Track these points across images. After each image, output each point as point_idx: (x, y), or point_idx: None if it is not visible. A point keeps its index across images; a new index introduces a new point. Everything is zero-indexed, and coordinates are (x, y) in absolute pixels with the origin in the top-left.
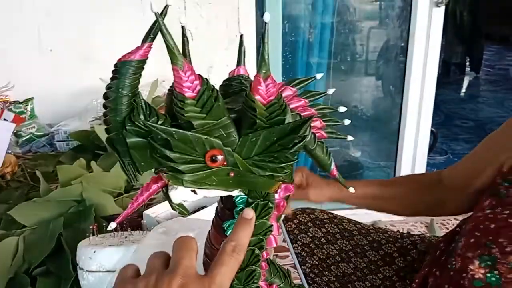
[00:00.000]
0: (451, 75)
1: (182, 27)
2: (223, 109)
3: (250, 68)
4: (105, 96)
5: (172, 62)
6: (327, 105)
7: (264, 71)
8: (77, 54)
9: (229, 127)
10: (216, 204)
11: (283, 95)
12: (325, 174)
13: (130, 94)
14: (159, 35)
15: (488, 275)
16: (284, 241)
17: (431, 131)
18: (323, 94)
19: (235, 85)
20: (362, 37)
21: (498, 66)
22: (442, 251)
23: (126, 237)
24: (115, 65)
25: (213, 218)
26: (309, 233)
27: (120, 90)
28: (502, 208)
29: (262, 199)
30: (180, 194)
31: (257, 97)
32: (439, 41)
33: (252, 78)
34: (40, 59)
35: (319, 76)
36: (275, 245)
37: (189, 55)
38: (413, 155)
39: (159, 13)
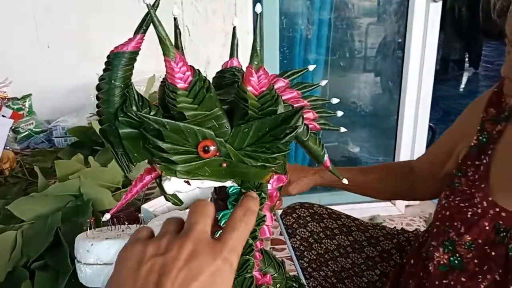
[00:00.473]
0: (450, 71)
1: (175, 18)
2: (215, 100)
3: (246, 63)
4: (98, 88)
5: (164, 54)
6: (320, 97)
7: (256, 63)
8: (75, 50)
9: (221, 118)
10: (210, 196)
11: (276, 86)
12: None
13: (122, 85)
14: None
15: (452, 258)
16: (281, 234)
17: (430, 126)
18: (315, 86)
19: (228, 77)
20: (360, 33)
21: (497, 62)
22: (420, 242)
23: (123, 231)
24: (108, 57)
25: None
26: (308, 228)
27: (112, 81)
28: (454, 196)
29: (255, 190)
30: (174, 185)
31: (249, 88)
32: (437, 36)
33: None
34: (38, 55)
35: (311, 67)
36: (268, 235)
37: (182, 47)
38: (411, 150)
39: (151, 4)
